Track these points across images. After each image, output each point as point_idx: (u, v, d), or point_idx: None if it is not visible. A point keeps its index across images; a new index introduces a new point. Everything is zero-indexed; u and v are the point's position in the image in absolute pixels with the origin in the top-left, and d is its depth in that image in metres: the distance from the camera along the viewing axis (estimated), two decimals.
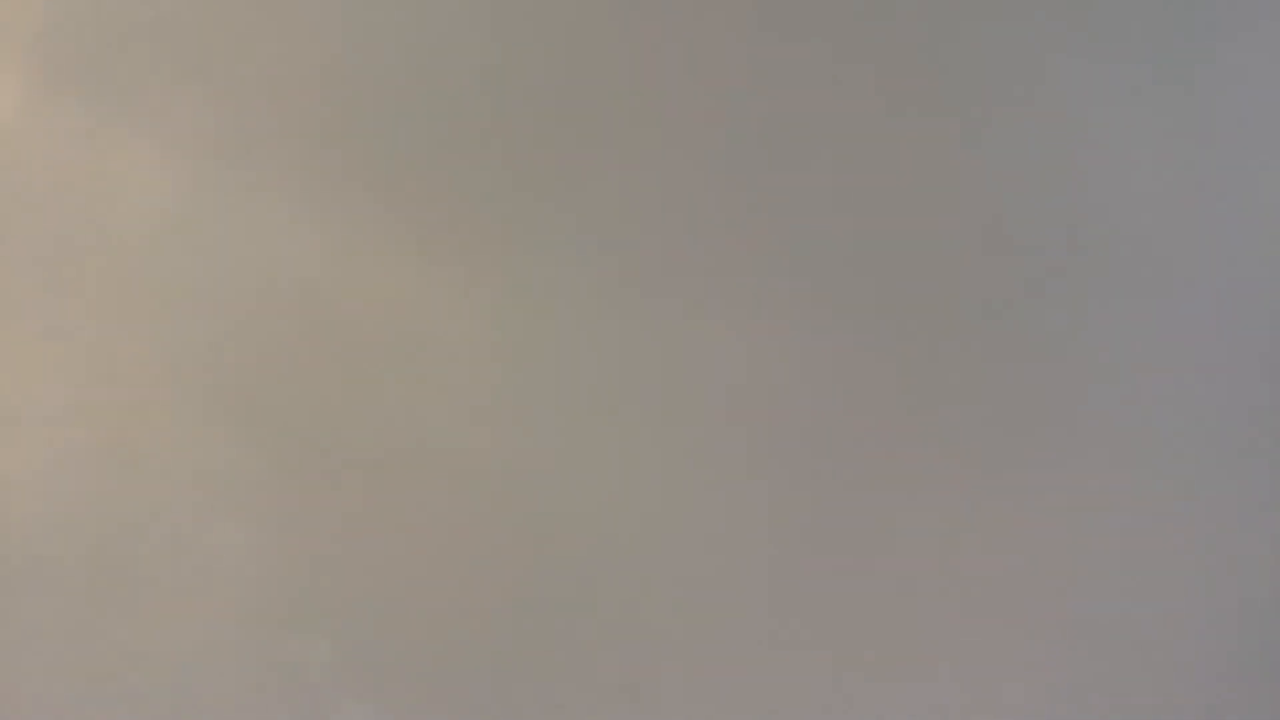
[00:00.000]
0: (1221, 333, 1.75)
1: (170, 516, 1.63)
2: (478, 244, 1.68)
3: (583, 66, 1.70)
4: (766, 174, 1.71)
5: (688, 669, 1.67)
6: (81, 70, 1.65)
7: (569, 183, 1.69)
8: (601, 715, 1.66)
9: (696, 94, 1.71)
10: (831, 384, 1.71)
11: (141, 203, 1.65)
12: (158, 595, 1.62)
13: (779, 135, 1.71)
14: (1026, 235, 1.74)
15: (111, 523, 1.62)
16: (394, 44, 1.68)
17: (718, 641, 1.68)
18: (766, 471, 1.69)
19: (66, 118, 1.65)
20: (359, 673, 1.64)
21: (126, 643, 1.62)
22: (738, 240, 1.70)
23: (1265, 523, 1.74)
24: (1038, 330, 1.73)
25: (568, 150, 1.69)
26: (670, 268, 1.70)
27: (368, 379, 1.66)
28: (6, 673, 1.61)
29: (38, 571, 1.62)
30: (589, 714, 1.65)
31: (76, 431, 1.62)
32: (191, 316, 1.64)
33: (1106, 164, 1.75)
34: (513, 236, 1.68)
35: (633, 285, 1.69)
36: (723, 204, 1.71)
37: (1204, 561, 1.74)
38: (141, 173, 1.65)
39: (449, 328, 1.67)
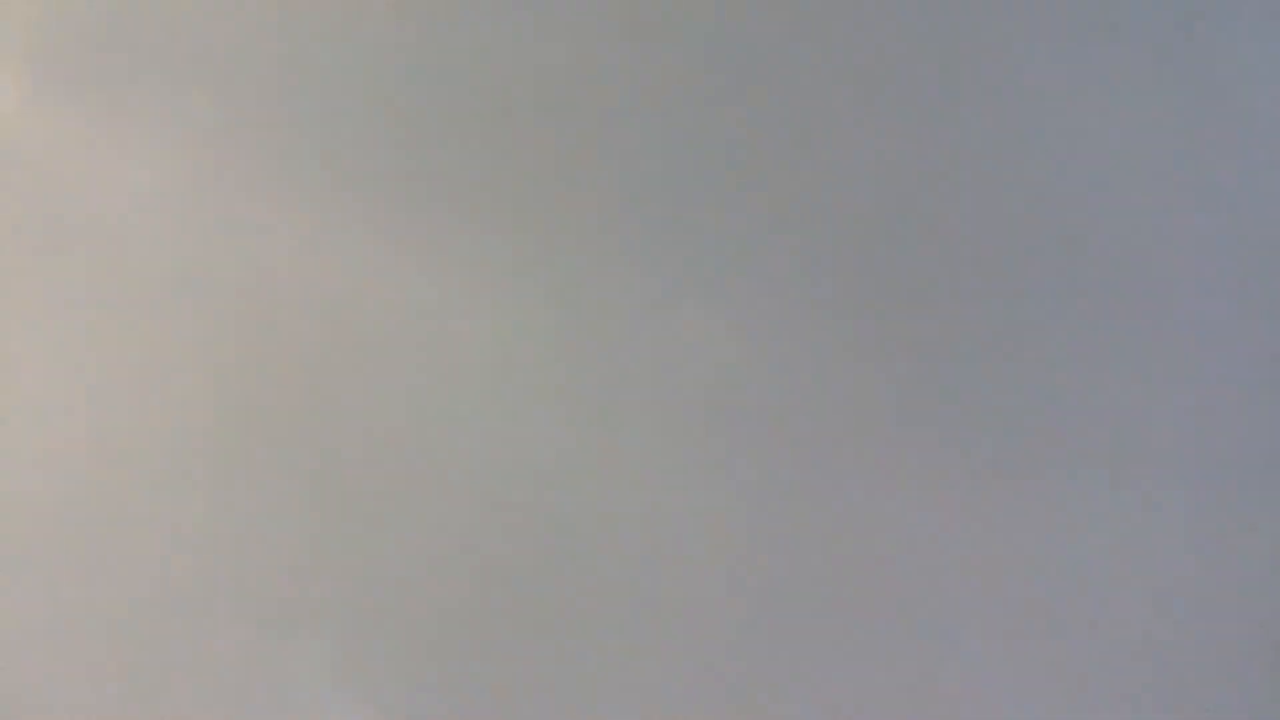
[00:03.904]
0: (1222, 332, 1.75)
1: (169, 514, 1.63)
2: (479, 242, 1.68)
3: (588, 65, 1.70)
4: (769, 173, 1.71)
5: (689, 668, 1.67)
6: (81, 70, 1.65)
7: (573, 181, 1.69)
8: (602, 715, 1.65)
9: (702, 96, 1.71)
10: (835, 384, 1.71)
11: (141, 201, 1.65)
12: (156, 594, 1.62)
13: (781, 135, 1.72)
14: (1024, 235, 1.74)
15: (109, 521, 1.62)
16: (395, 43, 1.68)
17: (719, 641, 1.68)
18: (769, 471, 1.69)
19: (66, 117, 1.65)
20: (359, 673, 1.64)
21: (125, 642, 1.62)
22: (743, 241, 1.70)
23: (1265, 523, 1.74)
24: (1035, 329, 1.73)
25: (572, 149, 1.70)
26: (676, 269, 1.70)
27: (369, 377, 1.66)
28: (5, 671, 1.61)
29: (35, 569, 1.62)
30: (590, 714, 1.65)
31: (74, 427, 1.63)
32: (192, 315, 1.65)
33: (1106, 164, 1.75)
34: (515, 234, 1.69)
35: (637, 285, 1.69)
36: (727, 206, 1.71)
37: (1204, 562, 1.74)
38: (140, 171, 1.65)
39: (450, 325, 1.67)
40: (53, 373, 1.63)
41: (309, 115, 1.67)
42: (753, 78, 1.72)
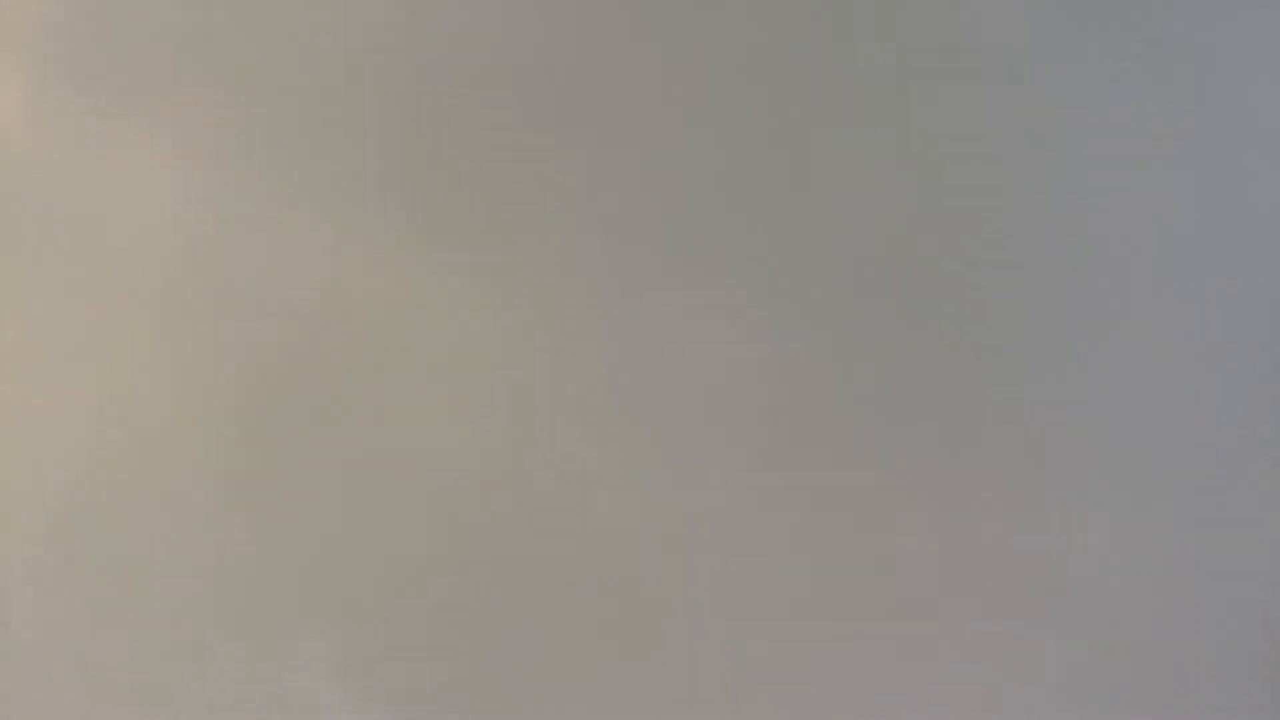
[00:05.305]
0: (1221, 336, 1.75)
1: (170, 516, 1.63)
2: (479, 243, 1.68)
3: (583, 65, 1.70)
4: (767, 174, 1.71)
5: (687, 670, 1.67)
6: (81, 70, 1.65)
7: (571, 183, 1.69)
8: (601, 715, 1.66)
9: (698, 97, 1.71)
10: (834, 383, 1.71)
11: (142, 202, 1.65)
12: (157, 595, 1.62)
13: (779, 135, 1.71)
14: (1028, 239, 1.74)
15: (111, 522, 1.63)
16: (394, 43, 1.68)
17: (717, 643, 1.68)
18: (768, 473, 1.69)
19: (66, 118, 1.65)
20: (359, 673, 1.64)
21: (126, 642, 1.62)
22: (739, 242, 1.70)
23: (1266, 526, 1.74)
24: (1037, 334, 1.73)
25: (569, 150, 1.69)
26: (673, 269, 1.70)
27: (369, 377, 1.66)
28: (6, 672, 1.61)
29: (37, 571, 1.62)
30: (589, 714, 1.65)
31: (77, 431, 1.63)
32: (192, 316, 1.65)
33: (1108, 166, 1.75)
34: (516, 237, 1.68)
35: (635, 285, 1.69)
36: (724, 206, 1.71)
37: (1205, 566, 1.74)
38: (142, 173, 1.65)
39: (451, 327, 1.67)
40: (55, 376, 1.63)
41: (313, 116, 1.67)
42: (763, 84, 1.71)
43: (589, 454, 1.68)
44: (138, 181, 1.65)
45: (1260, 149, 1.77)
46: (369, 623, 1.64)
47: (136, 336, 1.64)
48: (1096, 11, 1.76)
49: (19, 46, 1.64)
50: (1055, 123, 1.75)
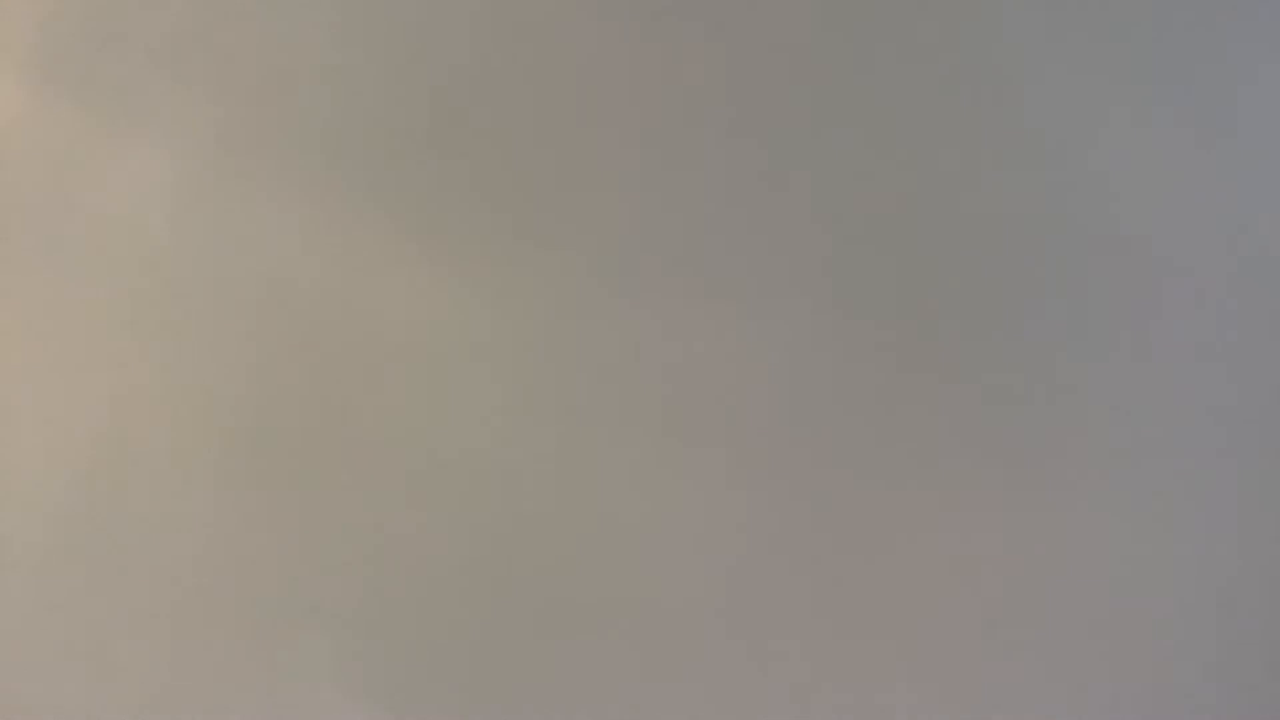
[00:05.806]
0: (1222, 336, 1.75)
1: (171, 516, 1.63)
2: (478, 244, 1.68)
3: (583, 66, 1.70)
4: (767, 174, 1.71)
5: (686, 671, 1.67)
6: (81, 70, 1.65)
7: (571, 184, 1.69)
8: (600, 715, 1.66)
9: (696, 97, 1.71)
10: (833, 385, 1.70)
11: (141, 202, 1.65)
12: (157, 594, 1.63)
13: (779, 135, 1.71)
14: (1027, 236, 1.74)
15: (110, 522, 1.63)
16: (394, 44, 1.68)
17: (718, 644, 1.68)
18: (769, 473, 1.69)
19: (66, 118, 1.65)
20: (359, 673, 1.64)
21: (125, 642, 1.62)
22: (738, 241, 1.70)
23: (1267, 526, 1.74)
24: (1037, 332, 1.73)
25: (569, 151, 1.70)
26: (673, 270, 1.70)
27: (368, 378, 1.66)
28: (5, 671, 1.61)
29: (36, 570, 1.62)
30: (588, 714, 1.65)
31: (76, 430, 1.63)
32: (192, 316, 1.65)
33: (1112, 165, 1.75)
34: (514, 237, 1.69)
35: (635, 287, 1.69)
36: (723, 205, 1.71)
37: (1206, 561, 1.73)
38: (142, 173, 1.65)
39: (450, 327, 1.67)
40: (56, 374, 1.63)
41: (313, 117, 1.67)
42: (763, 84, 1.71)
43: (589, 455, 1.68)
44: (137, 181, 1.65)
45: (1262, 149, 1.77)
46: (369, 622, 1.65)
47: (135, 336, 1.64)
48: (1097, 15, 1.76)
49: (18, 47, 1.65)
50: (1055, 124, 1.75)
